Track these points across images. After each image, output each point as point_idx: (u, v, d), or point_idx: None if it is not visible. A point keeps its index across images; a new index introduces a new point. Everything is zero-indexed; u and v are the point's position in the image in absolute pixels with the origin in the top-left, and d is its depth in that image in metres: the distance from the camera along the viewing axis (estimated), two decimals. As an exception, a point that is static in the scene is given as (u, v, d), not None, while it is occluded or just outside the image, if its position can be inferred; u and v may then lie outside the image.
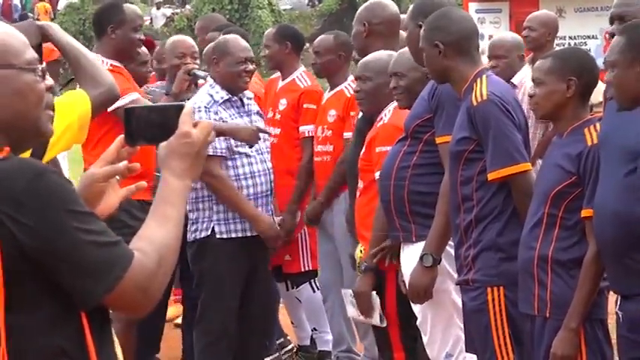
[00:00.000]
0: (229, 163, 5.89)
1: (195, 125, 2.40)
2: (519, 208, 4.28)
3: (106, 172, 2.54)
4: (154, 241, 2.27)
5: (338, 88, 6.41)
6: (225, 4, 29.92)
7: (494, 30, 19.10)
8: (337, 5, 30.56)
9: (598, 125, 4.06)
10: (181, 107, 2.41)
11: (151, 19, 32.70)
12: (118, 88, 3.96)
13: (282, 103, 6.68)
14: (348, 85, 6.35)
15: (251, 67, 5.98)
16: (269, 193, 6.00)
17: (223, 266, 5.84)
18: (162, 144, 2.39)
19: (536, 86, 4.15)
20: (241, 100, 6.02)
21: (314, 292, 6.61)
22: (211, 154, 5.67)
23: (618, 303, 3.90)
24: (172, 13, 33.03)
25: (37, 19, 30.39)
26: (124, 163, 2.55)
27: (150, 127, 2.42)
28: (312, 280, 6.62)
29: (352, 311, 5.35)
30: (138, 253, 2.23)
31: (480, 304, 4.33)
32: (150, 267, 2.23)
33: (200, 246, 5.90)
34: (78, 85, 3.83)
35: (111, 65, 5.69)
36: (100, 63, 4.06)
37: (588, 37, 13.82)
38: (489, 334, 4.31)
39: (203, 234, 5.89)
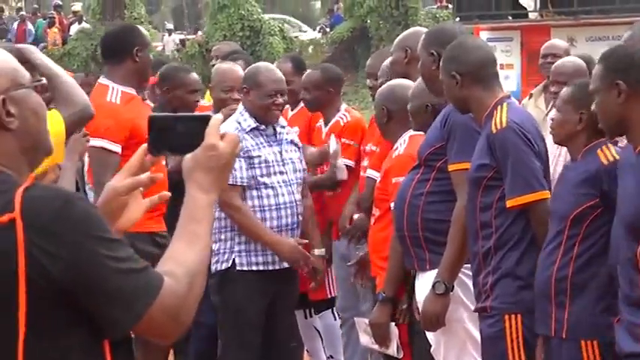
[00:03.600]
0: (254, 193, 5.66)
1: (222, 137, 2.30)
2: (537, 235, 4.27)
3: (128, 184, 2.42)
4: (183, 263, 2.19)
5: (333, 122, 6.39)
6: (237, 30, 29.99)
7: (505, 59, 19.14)
8: (349, 33, 30.61)
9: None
10: (208, 118, 2.32)
11: (163, 45, 32.83)
12: (92, 108, 4.10)
13: (295, 131, 6.68)
14: (343, 115, 6.37)
15: (281, 100, 5.71)
16: (295, 226, 5.74)
17: (241, 299, 5.62)
18: (188, 156, 2.29)
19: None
20: (274, 128, 5.78)
21: (335, 319, 6.53)
22: (231, 183, 5.47)
23: None
24: (184, 39, 33.13)
25: (56, 45, 30.68)
26: (147, 174, 2.43)
27: (174, 137, 2.32)
28: (334, 308, 6.53)
29: (366, 340, 5.31)
30: (168, 278, 2.15)
31: (497, 331, 4.32)
32: (180, 292, 2.15)
33: (220, 277, 5.68)
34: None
35: (122, 92, 5.45)
36: (75, 83, 4.08)
37: (600, 66, 13.77)
38: (506, 361, 4.30)
39: (224, 265, 5.66)
